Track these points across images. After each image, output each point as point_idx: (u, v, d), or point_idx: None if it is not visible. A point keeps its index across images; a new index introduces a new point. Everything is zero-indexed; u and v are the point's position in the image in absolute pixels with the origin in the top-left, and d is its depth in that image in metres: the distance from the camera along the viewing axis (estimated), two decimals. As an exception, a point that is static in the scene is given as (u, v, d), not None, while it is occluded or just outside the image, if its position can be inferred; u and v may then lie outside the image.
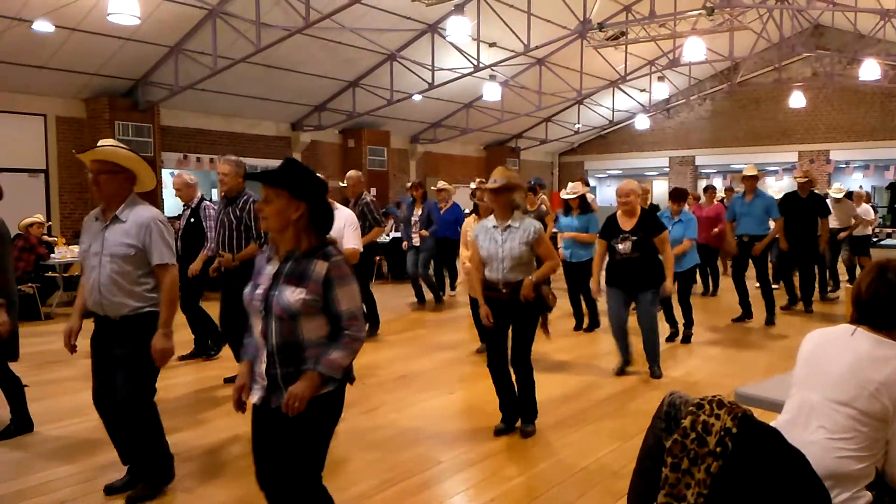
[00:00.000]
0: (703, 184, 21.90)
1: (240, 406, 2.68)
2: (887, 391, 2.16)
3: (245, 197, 5.76)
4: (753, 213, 8.59)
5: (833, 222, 11.09)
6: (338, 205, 5.53)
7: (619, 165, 24.07)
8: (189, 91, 12.67)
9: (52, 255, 9.68)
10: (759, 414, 2.45)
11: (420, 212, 10.04)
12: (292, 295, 2.49)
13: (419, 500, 3.75)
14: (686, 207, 8.05)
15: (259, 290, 2.58)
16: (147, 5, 10.14)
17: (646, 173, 24.38)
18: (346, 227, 5.72)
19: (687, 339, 7.67)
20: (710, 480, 2.06)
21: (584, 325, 8.30)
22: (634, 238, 5.90)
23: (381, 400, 5.44)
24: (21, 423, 4.74)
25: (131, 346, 3.55)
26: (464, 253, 7.05)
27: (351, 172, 8.15)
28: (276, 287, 2.53)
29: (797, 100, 18.72)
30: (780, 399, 2.50)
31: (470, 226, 6.94)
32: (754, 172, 8.75)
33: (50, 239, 10.33)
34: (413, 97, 15.58)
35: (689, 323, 7.76)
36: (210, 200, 7.28)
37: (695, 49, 13.58)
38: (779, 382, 2.73)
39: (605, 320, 7.95)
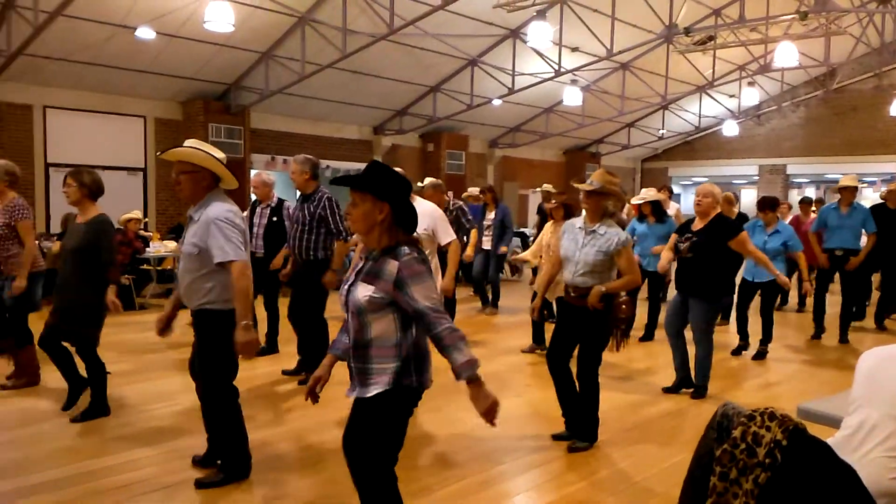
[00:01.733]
0: (794, 193, 21.15)
1: (311, 395, 2.83)
2: None
3: (319, 194, 5.91)
4: (849, 226, 8.18)
5: None
6: (418, 199, 5.46)
7: (705, 172, 23.41)
8: (278, 95, 13.19)
9: (147, 249, 10.26)
10: (821, 430, 2.42)
11: (493, 216, 10.10)
12: (362, 292, 2.60)
13: (480, 499, 3.83)
14: (778, 217, 7.71)
15: (345, 286, 2.72)
16: (241, 13, 10.64)
17: (734, 181, 23.61)
18: (437, 220, 5.40)
19: (760, 356, 7.36)
20: (758, 491, 2.06)
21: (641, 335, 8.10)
22: (695, 239, 5.63)
23: (448, 400, 5.53)
24: (97, 408, 4.95)
25: (198, 342, 3.75)
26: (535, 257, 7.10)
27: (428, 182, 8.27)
28: (354, 284, 2.66)
29: (899, 107, 17.77)
30: (842, 416, 2.45)
31: (549, 231, 6.99)
32: (854, 183, 8.32)
33: (146, 234, 10.95)
34: (493, 102, 15.67)
35: (765, 338, 7.43)
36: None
37: (787, 54, 13.11)
38: (842, 399, 2.68)
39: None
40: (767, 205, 7.53)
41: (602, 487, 4.02)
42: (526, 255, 7.79)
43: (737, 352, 7.50)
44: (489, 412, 2.58)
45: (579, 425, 4.61)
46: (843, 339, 8.22)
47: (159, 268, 10.69)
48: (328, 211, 5.85)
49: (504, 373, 6.71)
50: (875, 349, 2.41)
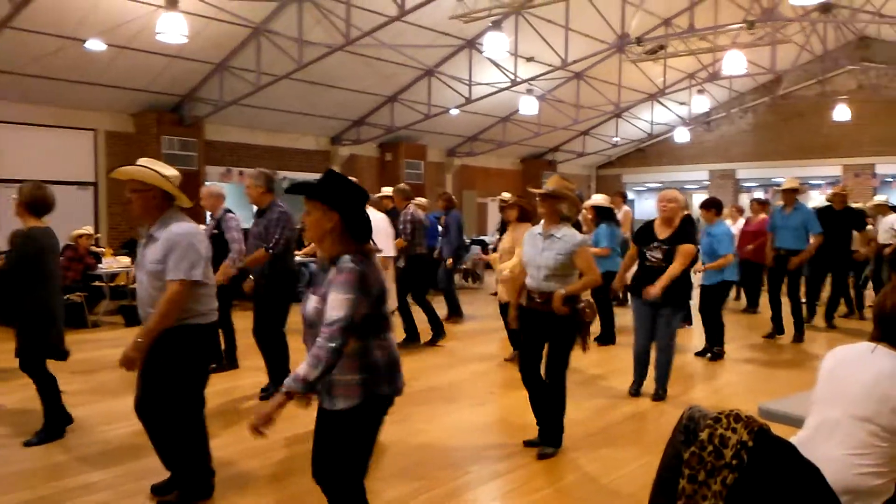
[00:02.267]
0: (744, 197, 21.66)
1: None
2: None
3: (276, 208, 5.87)
4: (791, 227, 8.44)
5: (882, 236, 10.87)
6: (370, 209, 5.50)
7: (657, 178, 23.86)
8: (233, 106, 13.03)
9: (99, 266, 10.01)
10: (782, 429, 2.48)
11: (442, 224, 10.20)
12: (311, 304, 2.63)
13: (447, 509, 3.82)
14: (729, 221, 7.91)
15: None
16: (194, 24, 10.49)
17: (685, 186, 24.05)
18: (378, 232, 5.61)
19: (715, 357, 7.50)
20: (727, 492, 2.10)
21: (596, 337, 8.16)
22: (666, 248, 5.67)
23: (412, 410, 5.53)
24: (52, 427, 4.84)
25: (164, 359, 3.60)
26: (504, 262, 7.11)
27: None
28: (307, 295, 2.69)
29: (842, 113, 18.37)
30: (802, 415, 2.51)
31: (511, 239, 7.02)
32: (794, 185, 8.58)
33: (98, 250, 10.68)
34: (450, 111, 15.74)
35: (714, 340, 7.55)
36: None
37: (735, 62, 13.44)
38: (802, 399, 2.75)
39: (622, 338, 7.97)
40: (712, 205, 7.63)
41: (569, 492, 4.05)
42: (494, 257, 7.84)
43: (701, 353, 7.64)
44: (258, 420, 2.50)
45: (546, 431, 4.64)
46: (798, 338, 8.46)
47: (112, 284, 10.43)
48: (273, 223, 5.81)
49: (467, 381, 6.72)
50: (838, 349, 2.48)
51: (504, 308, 6.45)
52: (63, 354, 4.88)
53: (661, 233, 5.79)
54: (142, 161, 3.78)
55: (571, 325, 4.53)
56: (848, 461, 2.20)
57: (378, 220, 6.34)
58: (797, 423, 2.73)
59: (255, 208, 6.15)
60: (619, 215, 11.34)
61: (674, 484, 2.25)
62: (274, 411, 2.48)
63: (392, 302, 6.68)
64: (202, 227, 5.53)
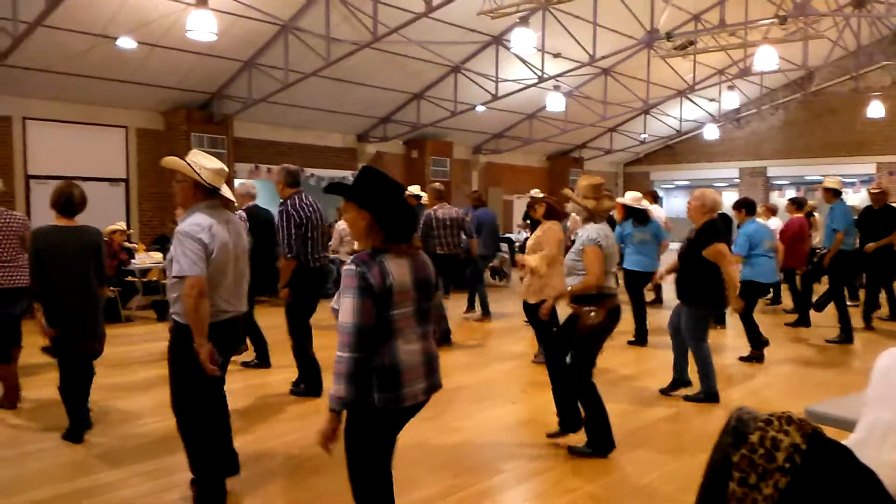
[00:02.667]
0: (774, 195, 21.36)
1: None
2: None
3: (289, 201, 5.83)
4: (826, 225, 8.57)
5: None
6: None
7: (686, 176, 23.59)
8: (261, 104, 13.09)
9: (132, 261, 10.13)
10: (829, 432, 2.41)
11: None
12: (334, 304, 2.63)
13: (481, 508, 3.79)
14: (761, 219, 7.84)
15: None
16: (223, 22, 10.54)
17: (715, 184, 23.76)
18: None
19: (752, 360, 7.35)
20: (779, 496, 2.04)
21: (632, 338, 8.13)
22: (686, 246, 5.77)
23: (444, 409, 5.50)
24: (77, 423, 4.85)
25: (169, 354, 3.67)
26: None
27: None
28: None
29: (876, 109, 17.99)
30: (850, 417, 2.44)
31: (536, 237, 6.96)
32: (830, 185, 8.60)
33: (131, 245, 10.81)
34: (476, 108, 15.68)
35: (753, 343, 7.40)
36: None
37: (766, 58, 13.22)
38: (850, 401, 2.67)
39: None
40: (742, 205, 7.62)
41: (604, 494, 4.00)
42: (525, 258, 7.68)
43: (747, 359, 7.39)
44: (324, 442, 2.56)
45: (569, 422, 4.68)
46: (848, 338, 8.31)
47: (144, 279, 10.55)
48: (279, 223, 5.82)
49: (498, 380, 6.68)
50: (893, 349, 2.40)
51: (526, 307, 6.38)
52: (59, 351, 4.79)
53: (691, 233, 5.85)
54: (191, 154, 3.77)
55: (590, 326, 4.49)
56: (904, 466, 2.12)
57: None
58: (844, 425, 2.65)
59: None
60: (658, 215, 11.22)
61: (722, 488, 2.19)
62: (329, 430, 2.55)
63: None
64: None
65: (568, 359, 4.61)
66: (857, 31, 15.27)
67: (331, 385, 2.53)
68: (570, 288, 4.53)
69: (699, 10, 14.89)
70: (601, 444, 4.49)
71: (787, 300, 10.85)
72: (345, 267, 2.57)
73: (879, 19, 16.15)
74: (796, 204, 10.05)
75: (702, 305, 5.73)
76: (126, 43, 10.72)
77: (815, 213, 11.76)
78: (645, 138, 21.34)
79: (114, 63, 11.42)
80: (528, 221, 7.08)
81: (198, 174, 3.61)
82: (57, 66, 11.14)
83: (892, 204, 9.27)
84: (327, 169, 15.97)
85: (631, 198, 8.61)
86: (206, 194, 3.66)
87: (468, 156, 19.59)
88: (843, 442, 2.28)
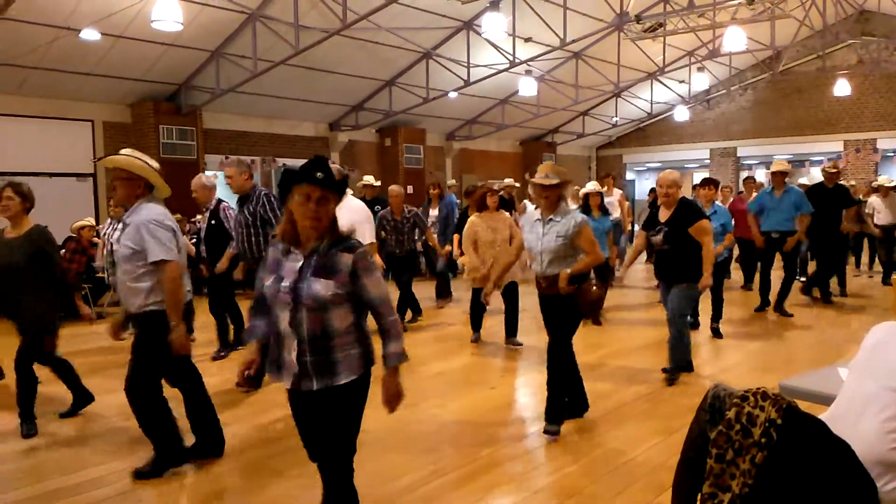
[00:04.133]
0: (744, 175, 21.62)
1: (249, 382, 2.88)
2: None
3: (256, 192, 5.99)
4: (782, 209, 8.46)
5: (886, 217, 10.90)
6: (349, 196, 5.68)
7: (658, 158, 23.76)
8: (230, 94, 12.91)
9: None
10: (803, 406, 2.45)
11: (437, 212, 10.18)
12: (325, 289, 2.63)
13: (463, 493, 3.80)
14: (719, 199, 7.96)
15: (286, 283, 2.68)
16: (189, 11, 10.36)
17: (686, 165, 24.01)
18: (364, 220, 5.87)
19: (716, 333, 7.56)
20: (755, 471, 2.07)
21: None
22: (666, 229, 5.71)
23: (423, 395, 5.51)
24: (80, 397, 5.15)
25: (135, 340, 3.96)
26: (468, 254, 7.21)
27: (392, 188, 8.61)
28: (305, 279, 2.65)
29: (842, 88, 18.24)
30: (823, 391, 2.49)
31: (477, 224, 7.08)
32: (783, 168, 8.63)
33: (98, 241, 10.63)
34: (449, 94, 15.61)
35: (715, 316, 7.64)
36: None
37: (735, 39, 13.33)
38: (822, 375, 2.72)
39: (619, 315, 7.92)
40: (711, 182, 7.70)
41: (586, 472, 4.03)
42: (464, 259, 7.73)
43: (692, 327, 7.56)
44: (394, 398, 2.77)
45: (547, 408, 4.63)
46: (780, 309, 8.56)
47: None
48: (269, 212, 5.90)
49: (474, 365, 6.70)
50: (885, 323, 2.45)
51: (476, 290, 7.15)
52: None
53: (663, 216, 5.82)
54: (126, 151, 4.01)
55: (573, 308, 4.58)
56: (882, 433, 2.17)
57: (358, 207, 6.48)
58: (818, 399, 2.71)
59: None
60: (614, 198, 11.33)
61: (700, 463, 2.23)
62: (400, 387, 2.77)
63: None
64: (197, 217, 5.62)
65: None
66: (823, 10, 15.44)
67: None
68: (569, 270, 4.48)
69: (668, -9, 14.95)
70: (581, 404, 4.87)
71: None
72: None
73: (844, -2, 16.36)
74: (754, 181, 10.37)
75: (694, 283, 5.74)
76: (90, 34, 10.49)
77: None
78: (616, 121, 21.43)
79: (77, 55, 11.18)
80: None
81: (155, 173, 3.91)
82: (18, 59, 10.87)
83: (842, 183, 9.43)
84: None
85: (594, 186, 8.75)
86: (147, 189, 3.94)
87: (442, 142, 19.53)
88: (823, 415, 2.33)
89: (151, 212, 3.83)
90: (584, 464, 4.18)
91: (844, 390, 2.38)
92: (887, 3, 16.56)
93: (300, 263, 2.69)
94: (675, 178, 5.85)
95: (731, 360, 6.69)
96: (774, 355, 6.84)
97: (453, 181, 16.82)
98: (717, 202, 7.86)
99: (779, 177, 8.52)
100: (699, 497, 2.21)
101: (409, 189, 17.26)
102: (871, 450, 2.11)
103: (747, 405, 2.14)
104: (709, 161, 22.74)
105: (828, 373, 2.73)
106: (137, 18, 10.52)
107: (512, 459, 4.28)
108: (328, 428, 2.75)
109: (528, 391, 5.82)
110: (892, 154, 20.61)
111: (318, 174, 2.61)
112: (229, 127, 14.80)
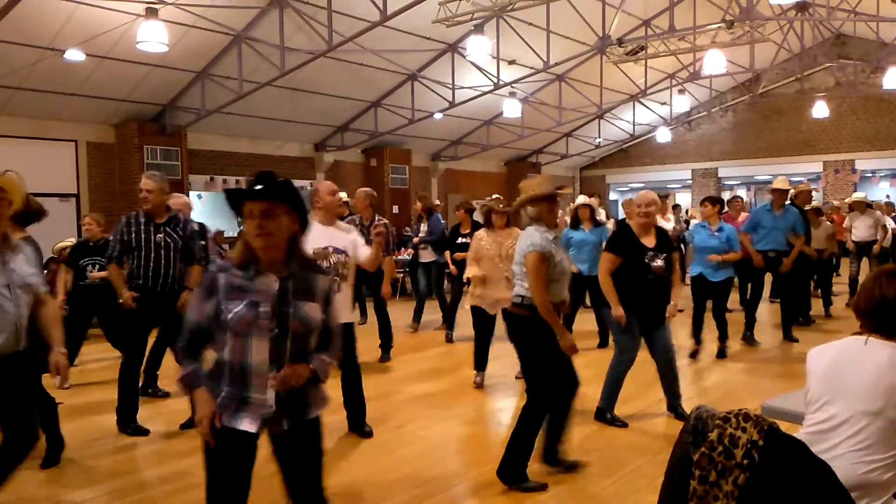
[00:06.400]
0: (726, 195, 21.85)
1: (214, 434, 2.43)
2: None
3: (182, 216, 5.53)
4: (782, 228, 8.10)
5: (864, 232, 10.97)
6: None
7: (641, 178, 24.00)
8: (215, 115, 12.92)
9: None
10: (785, 427, 2.48)
11: (426, 228, 10.04)
12: (311, 310, 2.48)
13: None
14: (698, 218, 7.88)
15: (263, 309, 2.40)
16: (175, 33, 10.40)
17: (668, 186, 24.28)
18: (356, 241, 5.09)
19: (722, 354, 7.41)
20: (738, 492, 2.10)
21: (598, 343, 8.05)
22: (665, 255, 5.13)
23: (407, 417, 5.49)
24: (54, 444, 4.73)
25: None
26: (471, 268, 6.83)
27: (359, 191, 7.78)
28: (288, 304, 2.44)
29: (820, 110, 18.60)
30: (804, 412, 2.52)
31: (483, 238, 6.61)
32: (786, 186, 8.30)
33: (82, 262, 10.51)
34: (434, 115, 15.73)
35: (723, 336, 7.44)
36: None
37: (715, 62, 13.59)
38: (803, 395, 2.75)
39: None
40: (717, 201, 7.59)
41: (570, 494, 4.04)
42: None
43: (693, 355, 7.41)
44: (288, 378, 2.43)
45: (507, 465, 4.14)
46: (788, 336, 8.29)
47: (98, 296, 10.28)
48: (197, 235, 5.49)
49: (457, 388, 6.61)
50: (820, 347, 2.48)
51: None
52: None
53: (649, 240, 5.16)
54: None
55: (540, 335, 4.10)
56: (856, 457, 2.20)
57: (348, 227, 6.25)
58: (799, 419, 2.74)
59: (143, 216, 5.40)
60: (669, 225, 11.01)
61: (683, 485, 2.25)
62: (303, 381, 2.49)
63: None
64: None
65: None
66: (801, 34, 15.78)
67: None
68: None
69: (649, 15, 15.22)
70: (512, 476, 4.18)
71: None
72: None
73: (821, 22, 16.72)
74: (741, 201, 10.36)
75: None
76: (74, 55, 10.48)
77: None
78: (600, 142, 21.67)
79: (62, 76, 11.17)
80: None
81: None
82: (3, 79, 10.84)
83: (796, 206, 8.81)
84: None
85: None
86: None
87: (427, 163, 19.63)
88: (797, 435, 2.36)
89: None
90: (571, 484, 4.17)
91: (811, 416, 2.40)
92: (863, 28, 16.93)
93: (276, 286, 2.44)
94: (654, 198, 5.36)
95: (720, 380, 6.72)
96: (763, 375, 6.87)
97: (438, 202, 16.86)
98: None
99: (779, 195, 8.19)
100: (683, 519, 2.23)
101: (395, 209, 17.31)
102: (848, 473, 2.14)
103: (729, 426, 2.17)
104: (691, 181, 23.02)
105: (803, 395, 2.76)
106: (122, 39, 10.54)
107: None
108: (311, 463, 2.59)
109: (509, 414, 5.82)
110: (870, 174, 20.97)
111: (257, 186, 2.39)
112: (214, 147, 14.80)
